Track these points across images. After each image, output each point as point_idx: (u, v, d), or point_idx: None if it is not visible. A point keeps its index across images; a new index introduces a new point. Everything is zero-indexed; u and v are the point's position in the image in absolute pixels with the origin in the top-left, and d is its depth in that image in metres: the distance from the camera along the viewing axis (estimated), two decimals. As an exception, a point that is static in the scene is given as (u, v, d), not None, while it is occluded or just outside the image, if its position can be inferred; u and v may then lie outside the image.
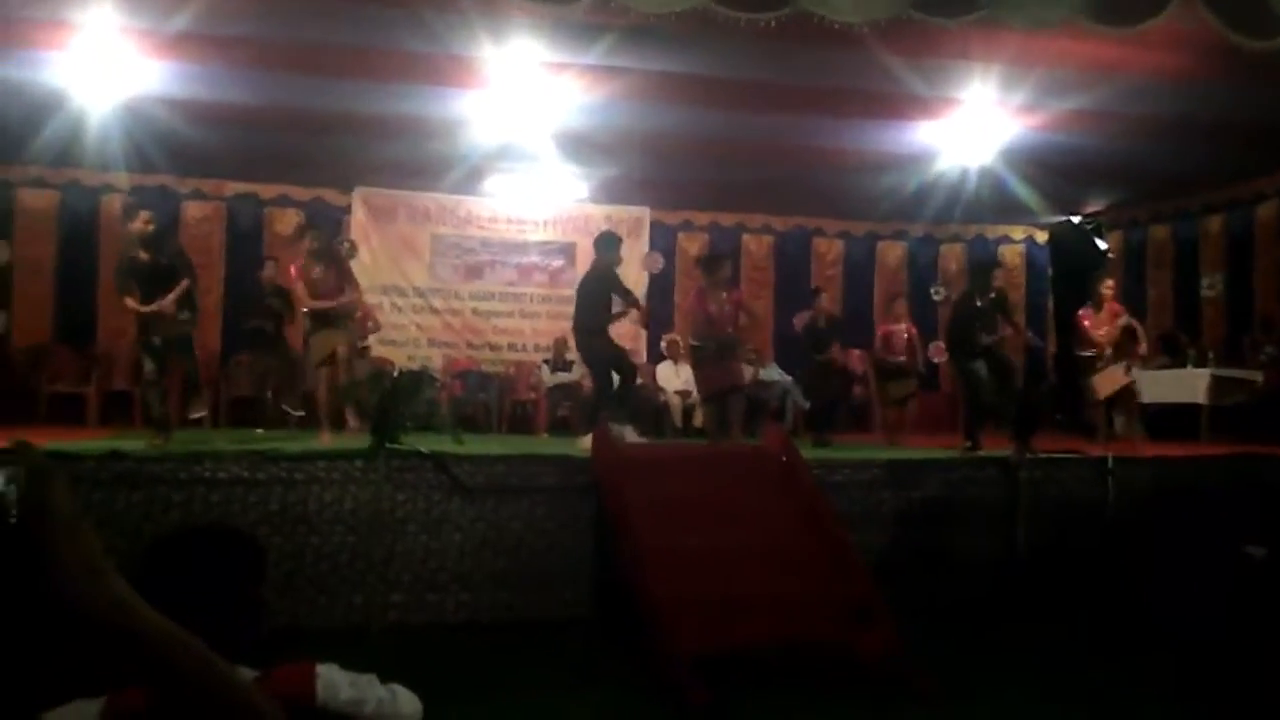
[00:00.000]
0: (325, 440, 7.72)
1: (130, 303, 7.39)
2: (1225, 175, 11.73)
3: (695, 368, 9.66)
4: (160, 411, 7.31)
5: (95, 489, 5.63)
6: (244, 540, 2.16)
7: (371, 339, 11.14)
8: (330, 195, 12.63)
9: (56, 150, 10.26)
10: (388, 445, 6.22)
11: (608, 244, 8.58)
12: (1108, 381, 9.33)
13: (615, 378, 8.44)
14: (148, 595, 1.17)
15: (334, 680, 1.84)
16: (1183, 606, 6.04)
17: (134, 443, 6.67)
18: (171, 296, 7.26)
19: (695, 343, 9.36)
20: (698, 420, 11.19)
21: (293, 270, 8.73)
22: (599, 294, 8.35)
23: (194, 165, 11.60)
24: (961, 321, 8.96)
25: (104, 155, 10.29)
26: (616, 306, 8.62)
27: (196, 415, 8.03)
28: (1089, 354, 9.46)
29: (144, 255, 7.39)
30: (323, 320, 8.40)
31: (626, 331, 9.87)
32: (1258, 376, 10.38)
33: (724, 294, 9.14)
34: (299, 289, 8.59)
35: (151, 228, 7.52)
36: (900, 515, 6.84)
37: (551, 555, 6.24)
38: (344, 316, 8.55)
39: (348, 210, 12.60)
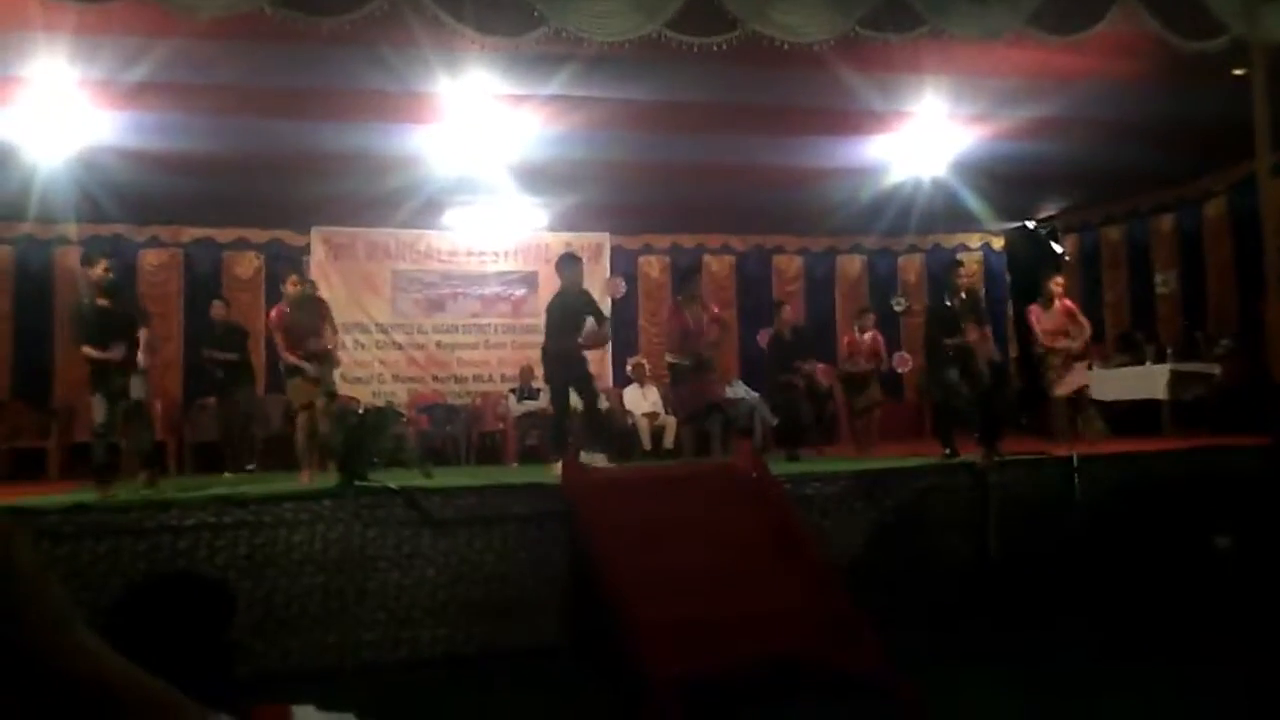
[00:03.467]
0: (305, 480, 7.72)
1: (88, 350, 7.30)
2: (1173, 175, 11.95)
3: (672, 387, 9.61)
4: (104, 461, 7.17)
5: (59, 543, 5.54)
6: (212, 585, 2.14)
7: (336, 376, 11.03)
8: (288, 236, 12.57)
9: (8, 204, 10.18)
10: (356, 483, 6.18)
11: (569, 264, 8.52)
12: (1069, 382, 9.45)
13: (577, 402, 8.40)
14: (118, 645, 1.16)
15: (311, 721, 1.82)
16: (1153, 599, 6.11)
17: (97, 495, 6.58)
18: (140, 351, 7.29)
19: (671, 360, 9.31)
20: (667, 442, 11.19)
21: (273, 315, 8.67)
22: (562, 315, 8.27)
23: (150, 213, 11.53)
24: (934, 325, 9.00)
25: (57, 207, 10.21)
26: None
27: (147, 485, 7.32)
28: (1040, 350, 9.58)
29: (101, 302, 7.35)
30: (298, 369, 8.34)
31: (592, 356, 9.83)
32: (1215, 370, 10.53)
33: (700, 308, 9.14)
34: (279, 339, 8.49)
35: (111, 275, 7.51)
36: (873, 525, 6.85)
37: (526, 585, 6.20)
38: (322, 364, 8.45)
39: (306, 250, 12.54)
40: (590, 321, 8.22)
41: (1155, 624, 5.95)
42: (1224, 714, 4.55)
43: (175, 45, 7.02)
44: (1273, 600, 5.67)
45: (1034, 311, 9.70)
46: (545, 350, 8.34)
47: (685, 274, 10.14)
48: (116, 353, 7.22)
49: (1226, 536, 6.34)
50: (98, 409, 7.31)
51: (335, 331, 9.03)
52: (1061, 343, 9.66)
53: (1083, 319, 9.96)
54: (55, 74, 7.43)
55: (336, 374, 9.86)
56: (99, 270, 7.42)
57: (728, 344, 12.96)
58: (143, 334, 7.49)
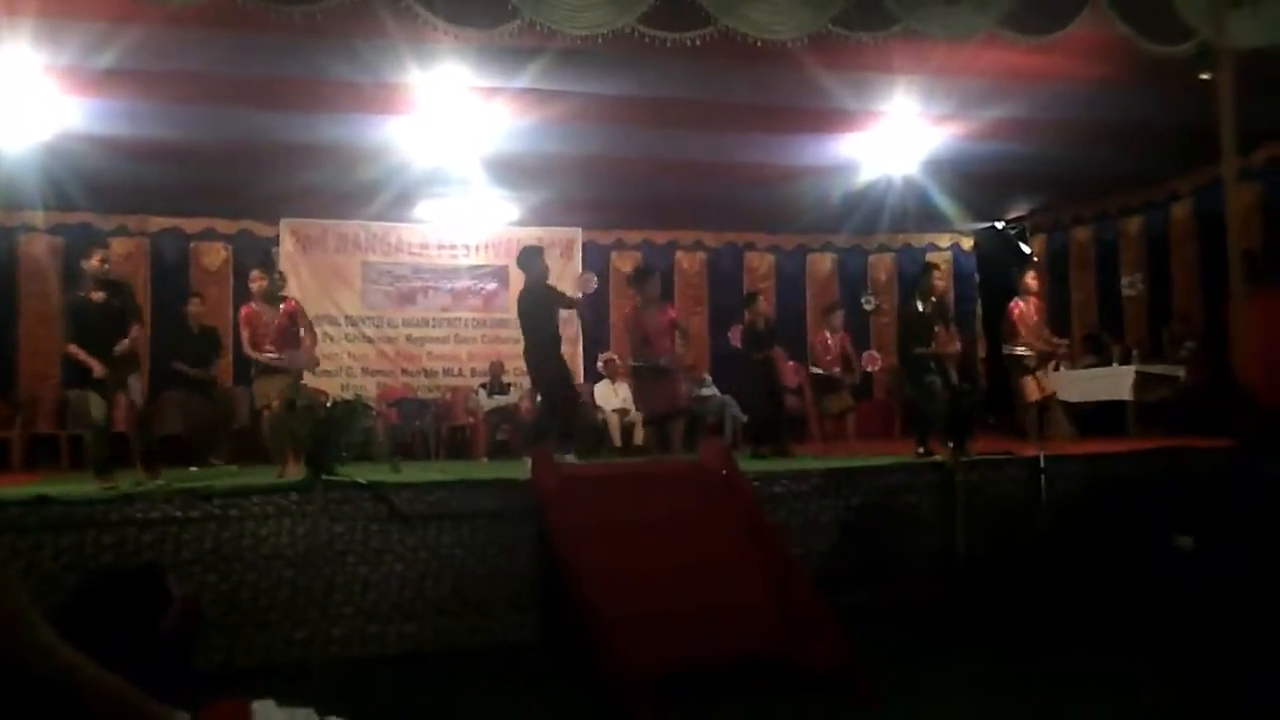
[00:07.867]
0: (291, 473, 7.16)
1: (74, 350, 7.09)
2: (1141, 177, 12.06)
3: (636, 388, 9.62)
4: (101, 455, 7.05)
5: (22, 535, 5.47)
6: (160, 578, 2.11)
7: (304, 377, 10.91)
8: (257, 227, 12.47)
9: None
10: (324, 477, 6.13)
11: (530, 258, 8.49)
12: (1041, 388, 9.54)
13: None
14: (74, 640, 1.14)
15: (270, 717, 1.81)
16: (1116, 597, 6.17)
17: (61, 487, 6.46)
18: (125, 343, 7.10)
19: (635, 363, 9.34)
20: (637, 438, 11.19)
21: (242, 312, 8.71)
22: (537, 310, 8.26)
23: (117, 201, 11.39)
24: (906, 334, 9.06)
25: (22, 194, 10.06)
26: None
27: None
28: (1020, 351, 9.61)
29: (96, 296, 7.15)
30: (266, 367, 8.38)
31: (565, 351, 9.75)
32: (1180, 372, 10.65)
33: (658, 312, 9.14)
34: (244, 336, 8.54)
35: (107, 267, 7.35)
36: (840, 523, 6.88)
37: (494, 580, 6.19)
38: (289, 366, 8.46)
39: (275, 241, 12.45)
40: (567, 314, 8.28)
41: (1118, 621, 6.01)
42: (1184, 708, 4.61)
43: (144, 31, 6.92)
44: (1230, 599, 5.73)
45: (1018, 307, 9.70)
46: (528, 348, 8.34)
47: (639, 274, 10.05)
48: (97, 366, 6.98)
49: (1188, 537, 6.41)
50: (95, 406, 7.05)
51: (312, 335, 8.98)
52: (1038, 345, 9.72)
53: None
54: (20, 59, 7.31)
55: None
56: (95, 263, 7.20)
57: (699, 341, 13.02)
58: (134, 330, 7.30)
